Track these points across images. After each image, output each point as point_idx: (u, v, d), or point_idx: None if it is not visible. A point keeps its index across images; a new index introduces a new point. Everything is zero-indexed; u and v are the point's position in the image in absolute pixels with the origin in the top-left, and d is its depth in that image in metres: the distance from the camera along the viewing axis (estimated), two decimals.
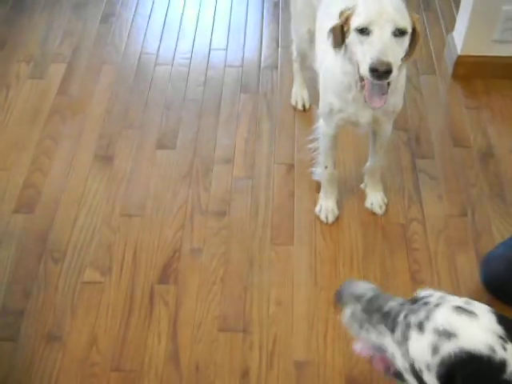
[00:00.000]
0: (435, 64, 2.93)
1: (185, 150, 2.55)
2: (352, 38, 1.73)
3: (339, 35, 1.77)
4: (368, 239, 2.24)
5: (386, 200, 2.33)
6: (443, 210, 2.33)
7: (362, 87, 1.78)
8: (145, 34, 3.12)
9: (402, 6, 1.72)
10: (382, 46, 1.65)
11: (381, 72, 1.64)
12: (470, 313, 1.08)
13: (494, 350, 1.03)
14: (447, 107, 2.75)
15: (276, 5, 3.28)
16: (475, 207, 2.33)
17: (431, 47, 3.01)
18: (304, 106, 2.70)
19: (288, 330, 1.99)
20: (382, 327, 1.16)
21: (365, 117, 1.97)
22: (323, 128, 2.14)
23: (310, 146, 2.34)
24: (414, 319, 1.11)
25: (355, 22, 1.70)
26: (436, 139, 2.59)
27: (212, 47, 3.05)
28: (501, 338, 1.04)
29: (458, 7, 2.86)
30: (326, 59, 1.98)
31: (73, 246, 2.21)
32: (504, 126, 2.63)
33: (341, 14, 1.76)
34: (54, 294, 2.08)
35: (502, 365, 1.02)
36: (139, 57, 3.00)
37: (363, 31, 1.68)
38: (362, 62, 1.70)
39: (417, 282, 2.10)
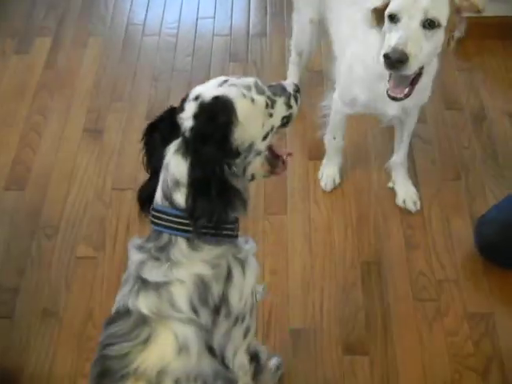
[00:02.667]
0: None
1: None
2: (385, 24, 1.62)
3: (379, 16, 1.65)
4: (361, 204, 2.23)
5: (418, 194, 2.21)
6: (437, 173, 2.32)
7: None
8: (131, 5, 3.07)
9: None
10: (404, 34, 1.53)
11: (392, 60, 1.52)
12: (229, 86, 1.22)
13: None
14: (438, 70, 2.72)
15: None
16: (469, 170, 2.32)
17: None
18: None
19: (284, 298, 1.99)
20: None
21: (394, 108, 1.87)
22: (339, 106, 2.03)
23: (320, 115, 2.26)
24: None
25: (388, 8, 1.60)
26: (428, 103, 2.55)
27: (199, 16, 3.00)
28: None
29: None
30: (352, 45, 1.87)
31: (65, 222, 2.20)
32: (496, 87, 2.60)
33: None
34: (48, 270, 2.07)
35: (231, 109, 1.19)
36: (126, 28, 2.95)
37: (393, 18, 1.57)
38: (383, 49, 1.57)
39: (411, 247, 2.10)
